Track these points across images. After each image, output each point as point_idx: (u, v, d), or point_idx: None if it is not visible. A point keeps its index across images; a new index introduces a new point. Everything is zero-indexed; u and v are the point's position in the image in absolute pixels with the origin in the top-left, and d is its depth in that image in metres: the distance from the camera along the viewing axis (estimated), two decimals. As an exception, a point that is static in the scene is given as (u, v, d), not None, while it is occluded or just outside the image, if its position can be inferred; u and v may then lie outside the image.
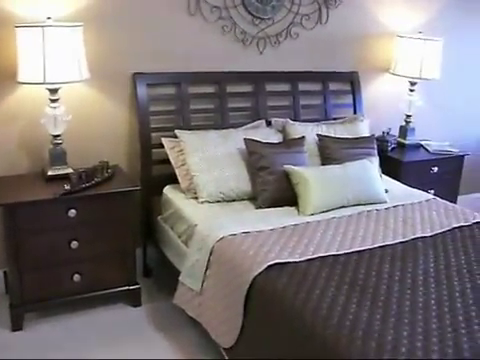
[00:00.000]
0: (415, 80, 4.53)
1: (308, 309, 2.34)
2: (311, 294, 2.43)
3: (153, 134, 3.74)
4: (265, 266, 2.63)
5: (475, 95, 5.32)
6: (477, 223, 3.39)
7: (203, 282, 2.99)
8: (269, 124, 3.96)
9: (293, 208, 3.39)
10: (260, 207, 3.40)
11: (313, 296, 2.42)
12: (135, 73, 3.68)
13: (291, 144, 3.66)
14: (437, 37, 4.44)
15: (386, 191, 3.68)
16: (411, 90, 4.60)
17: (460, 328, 2.26)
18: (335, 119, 4.27)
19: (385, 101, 4.74)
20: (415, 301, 2.44)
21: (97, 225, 3.33)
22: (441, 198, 3.84)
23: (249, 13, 3.97)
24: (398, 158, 4.38)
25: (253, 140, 3.53)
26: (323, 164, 3.73)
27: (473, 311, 2.40)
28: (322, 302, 2.38)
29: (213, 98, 3.95)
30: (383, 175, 4.00)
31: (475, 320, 2.33)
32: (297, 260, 2.71)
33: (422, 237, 3.12)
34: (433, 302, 2.45)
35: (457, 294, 2.54)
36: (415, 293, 2.51)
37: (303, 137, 3.72)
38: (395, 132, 4.68)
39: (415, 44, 4.42)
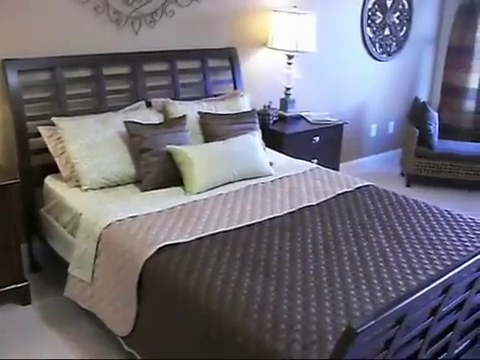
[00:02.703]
0: (292, 53, 4.58)
1: (202, 288, 2.33)
2: (204, 273, 2.42)
3: (29, 123, 3.55)
4: (155, 249, 2.59)
5: (349, 65, 5.49)
6: (359, 188, 3.52)
7: (93, 272, 2.90)
8: (149, 105, 3.88)
9: (179, 188, 3.35)
10: (146, 190, 3.33)
11: (206, 274, 2.41)
12: (4, 59, 3.47)
13: (172, 124, 3.61)
14: (311, 11, 4.52)
15: (271, 164, 3.72)
16: (289, 63, 4.66)
17: (350, 290, 2.35)
18: (216, 96, 4.25)
19: (265, 75, 4.77)
20: (306, 269, 2.50)
21: (-25, 223, 3.15)
22: (324, 167, 3.94)
23: (122, -9, 3.85)
24: (280, 130, 4.44)
25: (133, 122, 3.45)
26: (206, 141, 3.71)
27: (360, 272, 2.50)
28: (215, 280, 2.37)
29: (90, 82, 3.80)
30: (267, 148, 4.04)
31: (362, 280, 2.43)
32: (187, 240, 2.68)
33: (309, 206, 3.19)
34: (323, 268, 2.52)
35: (345, 258, 2.63)
36: (306, 261, 2.57)
37: (184, 116, 3.67)
38: (276, 105, 4.73)
39: (290, 18, 4.46)
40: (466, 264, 2.08)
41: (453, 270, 2.07)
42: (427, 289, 1.92)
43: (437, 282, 1.99)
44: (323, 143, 4.60)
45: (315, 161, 4.37)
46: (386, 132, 6.20)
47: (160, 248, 2.60)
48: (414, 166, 5.51)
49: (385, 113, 6.08)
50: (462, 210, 4.60)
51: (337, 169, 4.71)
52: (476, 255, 2.19)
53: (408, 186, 5.58)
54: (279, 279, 2.39)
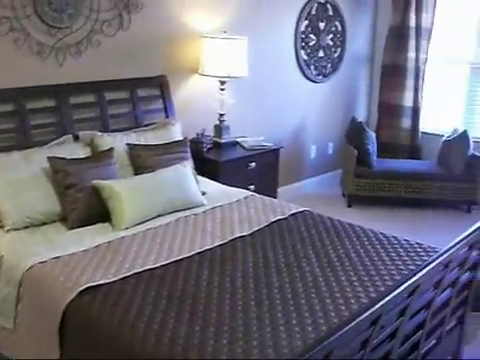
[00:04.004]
0: (224, 79, 4.53)
1: (125, 331, 2.22)
2: (127, 315, 2.31)
3: None
4: (76, 292, 2.46)
5: (285, 88, 5.48)
6: (293, 214, 3.46)
7: (15, 318, 2.75)
8: (77, 138, 3.75)
9: (107, 224, 3.23)
10: (72, 227, 3.19)
11: (130, 317, 2.30)
12: None
13: (99, 157, 3.49)
14: (242, 35, 4.49)
15: (203, 193, 3.64)
16: (222, 89, 4.60)
17: (279, 326, 2.26)
18: (147, 125, 4.14)
19: (198, 102, 4.70)
20: (235, 305, 2.41)
21: None
22: (261, 193, 3.88)
23: (44, 23, 3.71)
24: (215, 158, 4.36)
25: (57, 158, 3.32)
26: (136, 174, 3.59)
27: (291, 306, 2.42)
28: (139, 322, 2.26)
29: (12, 117, 3.63)
30: (201, 177, 3.96)
31: (293, 314, 2.36)
32: (111, 280, 2.57)
33: (241, 237, 3.12)
34: (253, 304, 2.43)
35: (276, 291, 2.55)
36: (235, 297, 2.48)
37: (111, 148, 3.55)
38: (211, 132, 4.65)
39: (220, 43, 4.42)
40: (393, 294, 2.03)
41: (381, 301, 2.01)
42: (351, 325, 1.85)
43: (364, 315, 1.93)
44: (260, 169, 4.54)
45: (252, 188, 4.31)
46: (326, 153, 6.19)
47: (82, 290, 2.48)
48: (354, 186, 5.50)
49: (324, 134, 6.09)
50: (402, 229, 4.66)
51: (275, 194, 4.67)
52: (404, 283, 2.15)
53: (349, 206, 5.58)
54: (206, 317, 2.30)
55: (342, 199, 5.76)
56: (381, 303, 1.99)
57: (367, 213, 5.40)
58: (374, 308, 1.96)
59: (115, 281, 2.57)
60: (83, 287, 2.49)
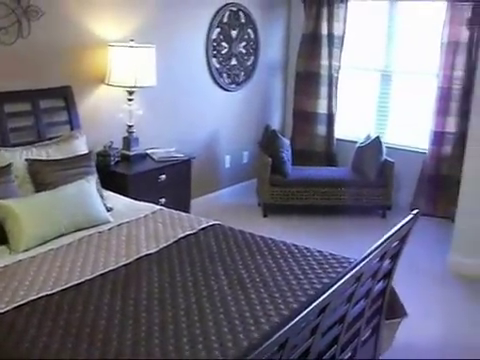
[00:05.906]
0: (132, 89, 4.37)
1: (14, 369, 2.04)
2: (18, 349, 2.14)
3: None
4: (-39, 326, 2.26)
5: (197, 97, 5.38)
6: (203, 229, 3.34)
7: None
8: (-27, 155, 3.50)
9: (4, 247, 3.02)
10: (-35, 253, 2.97)
11: (21, 351, 2.13)
12: None
13: (-5, 175, 3.27)
14: (150, 44, 4.35)
15: (110, 209, 3.47)
16: (130, 99, 4.43)
17: (184, 351, 2.15)
18: (51, 139, 3.92)
19: (105, 113, 4.51)
20: (137, 332, 2.27)
21: None
22: (174, 205, 3.75)
23: None
24: (123, 171, 4.20)
25: None
26: (38, 191, 3.37)
27: (198, 329, 2.30)
28: (31, 357, 2.08)
29: None
30: (109, 191, 3.79)
31: (199, 338, 2.24)
32: (2, 311, 2.37)
33: (147, 255, 2.98)
34: (157, 329, 2.30)
35: (182, 313, 2.43)
36: (138, 322, 2.34)
37: (9, 164, 3.33)
38: (120, 144, 4.48)
39: (127, 52, 4.26)
40: (300, 316, 1.93)
41: (287, 324, 1.91)
42: (259, 350, 1.74)
43: (270, 340, 1.82)
44: (170, 181, 4.41)
45: (163, 201, 4.16)
46: (240, 162, 6.11)
47: (-31, 324, 2.28)
48: (269, 195, 5.43)
49: (238, 143, 6.00)
50: (318, 237, 4.64)
51: (188, 206, 4.55)
52: (311, 303, 2.06)
53: (265, 216, 5.50)
54: (105, 347, 2.14)
55: (258, 209, 5.68)
56: (287, 326, 1.89)
57: (283, 222, 5.35)
58: (280, 332, 1.85)
59: (7, 311, 2.37)
60: (-31, 321, 2.29)
